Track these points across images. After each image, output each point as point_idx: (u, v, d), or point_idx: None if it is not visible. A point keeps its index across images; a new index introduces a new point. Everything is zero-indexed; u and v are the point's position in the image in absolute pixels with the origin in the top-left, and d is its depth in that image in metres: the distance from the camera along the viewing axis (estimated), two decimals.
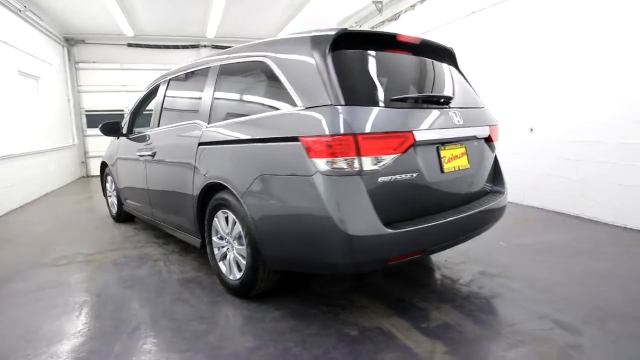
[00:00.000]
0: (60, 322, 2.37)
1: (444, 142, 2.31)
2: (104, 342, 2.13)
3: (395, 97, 2.17)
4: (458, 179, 2.41)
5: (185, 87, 3.43)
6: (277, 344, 2.06)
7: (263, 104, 2.42)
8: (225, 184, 2.49)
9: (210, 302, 2.59)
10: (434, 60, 2.62)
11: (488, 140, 2.71)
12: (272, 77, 2.35)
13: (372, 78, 2.20)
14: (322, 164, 1.95)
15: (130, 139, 4.15)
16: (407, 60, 2.46)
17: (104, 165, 5.00)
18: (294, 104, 2.15)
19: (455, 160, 2.38)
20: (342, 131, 1.93)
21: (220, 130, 2.60)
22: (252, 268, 2.42)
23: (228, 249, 2.67)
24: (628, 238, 3.64)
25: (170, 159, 3.20)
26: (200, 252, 3.57)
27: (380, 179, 2.01)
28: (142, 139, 3.83)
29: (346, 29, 2.21)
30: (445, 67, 2.71)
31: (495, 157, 2.85)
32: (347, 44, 2.22)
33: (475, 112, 2.60)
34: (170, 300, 2.62)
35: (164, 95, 3.60)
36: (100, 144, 9.57)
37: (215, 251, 2.79)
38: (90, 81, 9.34)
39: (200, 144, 2.78)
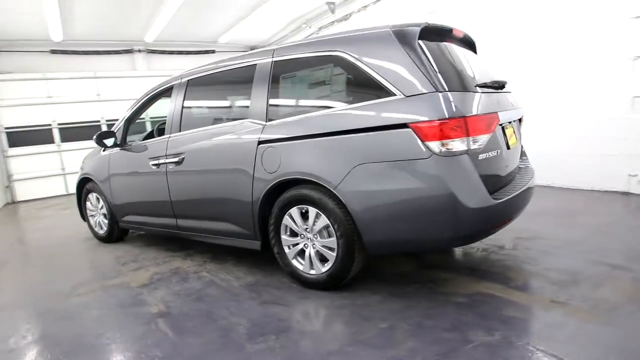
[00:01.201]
0: (154, 342, 2.18)
1: (504, 122, 2.61)
2: (232, 352, 2.03)
3: (479, 83, 2.41)
4: (514, 154, 2.73)
5: (217, 87, 3.29)
6: (407, 320, 2.16)
7: (344, 97, 2.48)
8: (309, 178, 2.50)
9: (300, 298, 2.58)
10: (471, 50, 2.92)
11: (520, 120, 3.09)
12: (354, 71, 2.42)
13: (452, 66, 2.40)
14: (437, 146, 2.10)
15: (131, 149, 3.83)
16: (461, 50, 2.71)
17: (83, 182, 4.50)
18: (389, 94, 2.26)
19: (512, 138, 2.70)
20: (455, 115, 2.11)
21: (294, 126, 2.59)
22: (345, 258, 2.46)
23: (305, 244, 2.67)
24: (602, 198, 4.35)
25: (212, 164, 3.05)
26: (241, 256, 3.45)
27: (480, 157, 2.23)
28: (154, 147, 3.57)
29: (427, 22, 2.39)
30: (478, 56, 3.03)
31: None
32: (425, 37, 2.39)
33: (512, 95, 2.95)
34: (257, 304, 2.54)
35: (184, 98, 3.40)
36: (28, 165, 8.46)
37: (286, 250, 2.76)
38: (9, 94, 8.14)
39: (261, 142, 2.73)
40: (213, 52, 10.52)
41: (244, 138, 2.85)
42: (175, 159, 3.30)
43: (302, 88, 2.73)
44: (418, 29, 2.33)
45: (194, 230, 3.39)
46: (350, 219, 2.40)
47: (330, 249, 2.54)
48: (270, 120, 2.75)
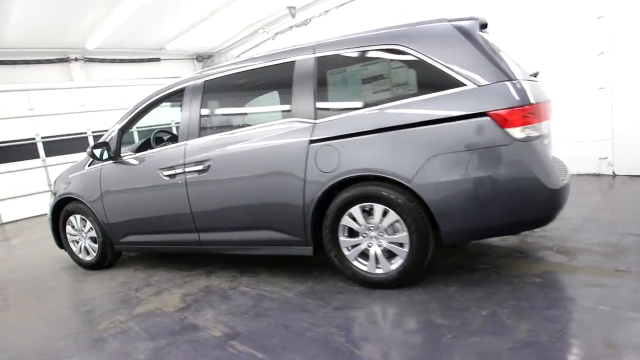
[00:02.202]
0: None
1: None
2: None
3: (532, 73, 2.54)
4: None
5: (243, 87, 3.08)
6: (502, 305, 2.19)
7: (407, 90, 2.46)
8: (377, 174, 2.43)
9: (374, 299, 2.48)
10: None
11: None
12: (417, 64, 2.41)
13: (505, 56, 2.49)
14: (517, 132, 2.18)
15: (130, 161, 3.43)
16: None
17: (61, 204, 3.92)
18: (459, 85, 2.29)
19: None
20: (530, 101, 2.20)
21: (354, 122, 2.50)
22: (419, 252, 2.43)
23: (369, 243, 2.59)
24: (581, 181, 4.79)
25: (249, 169, 2.82)
26: (273, 266, 3.24)
27: (544, 142, 2.35)
28: (164, 156, 3.24)
29: (480, 17, 2.46)
30: None
31: None
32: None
33: None
34: (332, 311, 2.40)
35: (202, 101, 3.12)
36: None
37: (345, 252, 2.66)
38: None
39: (313, 141, 2.61)
40: (158, 60, 9.90)
41: (290, 139, 2.69)
42: (199, 167, 3.02)
43: (355, 83, 2.66)
44: (477, 22, 2.40)
45: (223, 243, 3.13)
46: (424, 211, 2.38)
47: (400, 244, 2.49)
48: (320, 118, 2.63)
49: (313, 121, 2.65)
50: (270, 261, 3.37)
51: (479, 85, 2.26)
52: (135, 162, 3.43)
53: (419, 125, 2.34)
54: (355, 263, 2.65)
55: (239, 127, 2.98)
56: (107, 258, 3.83)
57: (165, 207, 3.27)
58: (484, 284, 2.47)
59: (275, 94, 2.97)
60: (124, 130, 3.59)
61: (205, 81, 3.15)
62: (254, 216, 2.90)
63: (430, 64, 2.37)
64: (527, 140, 2.19)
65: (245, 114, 3.18)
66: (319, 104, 2.66)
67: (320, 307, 2.48)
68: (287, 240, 2.84)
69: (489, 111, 2.20)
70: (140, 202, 3.41)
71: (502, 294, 2.32)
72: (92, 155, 3.42)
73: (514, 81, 2.22)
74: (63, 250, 4.11)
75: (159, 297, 3.02)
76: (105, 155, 3.46)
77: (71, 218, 3.91)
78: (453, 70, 2.31)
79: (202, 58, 10.73)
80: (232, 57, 10.25)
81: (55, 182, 4.16)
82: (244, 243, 3.04)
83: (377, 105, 2.50)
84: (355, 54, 2.61)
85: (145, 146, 3.86)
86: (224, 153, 2.93)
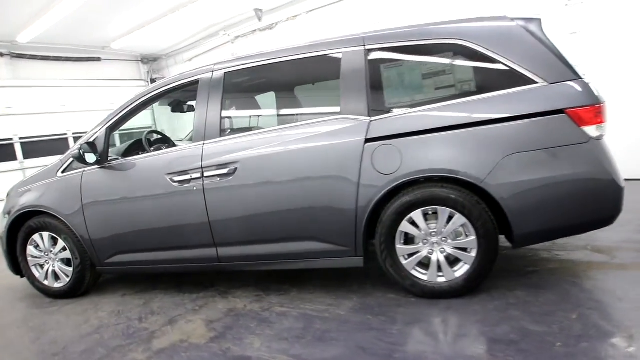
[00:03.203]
0: None
1: None
2: None
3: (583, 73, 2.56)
4: None
5: (276, 80, 2.74)
6: (583, 307, 2.12)
7: (473, 87, 2.35)
8: (447, 175, 2.27)
9: (441, 310, 2.29)
10: None
11: None
12: (482, 60, 2.30)
13: (565, 54, 2.47)
14: (593, 130, 2.17)
15: (122, 166, 2.91)
16: None
17: (21, 220, 3.19)
18: (529, 82, 2.23)
19: None
20: (601, 100, 2.20)
21: (419, 119, 2.32)
22: (487, 257, 2.30)
23: (430, 250, 2.41)
24: None
25: (290, 173, 2.49)
26: (299, 281, 2.90)
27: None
28: (173, 158, 2.78)
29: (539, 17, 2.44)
30: None
31: None
32: None
33: None
34: (404, 327, 2.16)
35: (223, 95, 2.73)
36: None
37: (402, 261, 2.45)
38: None
39: (369, 140, 2.38)
40: (98, 59, 8.89)
41: (340, 138, 2.43)
42: (222, 171, 2.61)
43: (414, 78, 2.49)
44: (539, 20, 2.37)
45: (249, 258, 2.73)
46: (493, 214, 2.27)
47: (464, 249, 2.35)
48: (375, 115, 2.42)
49: (367, 118, 2.42)
50: (292, 276, 3.02)
51: (550, 83, 2.21)
52: (130, 166, 2.90)
53: (492, 123, 2.23)
54: (413, 272, 2.44)
55: (272, 124, 2.65)
56: (85, 283, 3.18)
57: (174, 219, 2.79)
58: (548, 287, 2.40)
59: (314, 89, 2.70)
60: (113, 129, 3.03)
61: (226, 73, 2.76)
62: (292, 225, 2.57)
63: (499, 61, 2.27)
64: (599, 138, 2.19)
65: (280, 109, 2.83)
66: (374, 100, 2.44)
67: (387, 324, 2.23)
68: (332, 251, 2.55)
69: (566, 109, 2.16)
70: (138, 213, 2.88)
71: (575, 295, 2.26)
72: (79, 157, 2.81)
73: (584, 80, 2.22)
74: (20, 277, 3.34)
75: (176, 327, 2.53)
76: (91, 159, 2.88)
77: (35, 237, 3.19)
78: (523, 68, 2.24)
79: (148, 60, 9.88)
80: (182, 60, 9.59)
81: (8, 195, 3.39)
82: (277, 257, 2.68)
83: (441, 102, 2.35)
84: (413, 48, 2.45)
85: (134, 149, 3.33)
86: (256, 155, 2.57)
